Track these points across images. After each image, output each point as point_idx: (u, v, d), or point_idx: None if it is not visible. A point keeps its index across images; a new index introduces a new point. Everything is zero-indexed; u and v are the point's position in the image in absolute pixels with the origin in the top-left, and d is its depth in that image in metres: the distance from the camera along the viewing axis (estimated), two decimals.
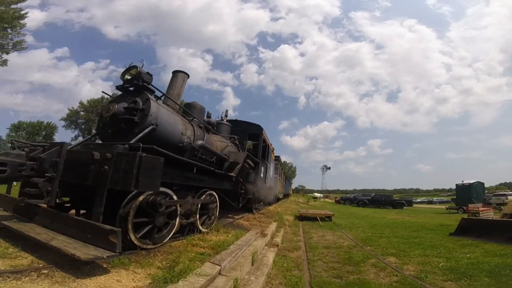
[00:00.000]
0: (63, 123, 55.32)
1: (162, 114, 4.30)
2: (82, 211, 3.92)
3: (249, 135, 9.77)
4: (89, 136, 5.30)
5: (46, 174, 2.78)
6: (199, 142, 5.19)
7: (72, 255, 2.29)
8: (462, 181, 20.60)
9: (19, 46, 22.40)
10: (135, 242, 3.18)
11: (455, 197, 33.62)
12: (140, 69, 4.13)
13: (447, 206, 20.66)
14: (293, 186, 67.64)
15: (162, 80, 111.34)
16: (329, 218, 12.71)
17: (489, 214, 12.03)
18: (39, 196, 2.73)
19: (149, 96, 4.10)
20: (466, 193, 18.68)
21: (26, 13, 21.97)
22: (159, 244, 3.55)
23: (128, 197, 3.21)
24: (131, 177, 2.59)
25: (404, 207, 27.23)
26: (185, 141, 4.79)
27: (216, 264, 3.17)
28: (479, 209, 12.55)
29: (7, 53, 21.73)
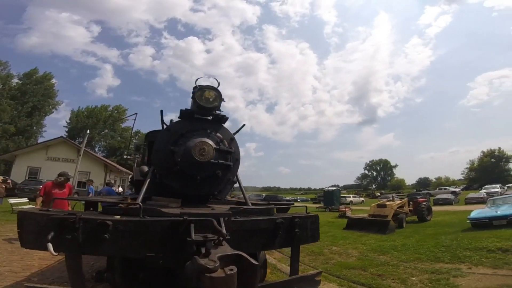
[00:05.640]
0: None
1: None
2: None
3: None
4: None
5: None
6: None
7: None
8: (328, 187, 29.02)
9: None
10: None
11: (315, 197, 44.80)
12: (220, 95, 3.34)
13: (317, 206, 28.31)
14: None
15: (19, 43, 78.86)
16: None
17: (349, 212, 18.32)
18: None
19: (233, 136, 3.56)
20: (330, 197, 26.69)
21: None
22: None
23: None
24: (317, 233, 3.01)
25: None
26: None
27: None
28: (345, 208, 18.91)
29: None
